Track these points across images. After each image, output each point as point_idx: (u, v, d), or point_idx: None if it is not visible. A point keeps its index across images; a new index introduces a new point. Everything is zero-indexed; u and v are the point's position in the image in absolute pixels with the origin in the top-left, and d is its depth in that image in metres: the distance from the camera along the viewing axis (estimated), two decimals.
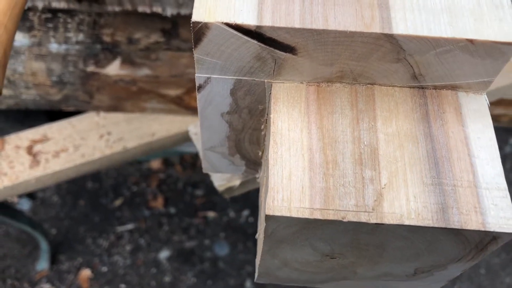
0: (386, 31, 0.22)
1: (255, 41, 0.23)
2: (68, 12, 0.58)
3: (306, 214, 0.21)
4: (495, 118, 0.70)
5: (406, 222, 0.21)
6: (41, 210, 1.64)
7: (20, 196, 1.59)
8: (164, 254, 1.59)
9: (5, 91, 0.65)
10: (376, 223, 0.21)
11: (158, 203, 1.68)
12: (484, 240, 0.22)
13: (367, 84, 0.25)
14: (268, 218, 0.22)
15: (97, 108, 0.67)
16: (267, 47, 0.23)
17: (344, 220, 0.21)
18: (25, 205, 1.59)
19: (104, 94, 0.64)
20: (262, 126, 0.29)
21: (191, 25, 0.22)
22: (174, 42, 0.60)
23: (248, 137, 0.30)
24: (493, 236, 0.22)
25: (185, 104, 0.67)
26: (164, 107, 0.66)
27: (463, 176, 0.23)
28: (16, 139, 0.66)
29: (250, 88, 0.26)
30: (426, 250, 0.24)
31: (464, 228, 0.21)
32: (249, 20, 0.22)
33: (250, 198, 1.65)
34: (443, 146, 0.23)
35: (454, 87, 0.25)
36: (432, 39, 0.22)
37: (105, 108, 0.67)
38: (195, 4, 0.23)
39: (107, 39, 0.59)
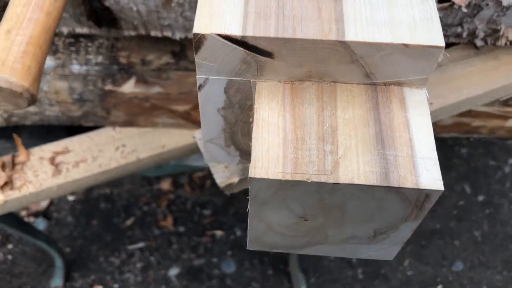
0: (340, 39, 0.29)
1: (241, 48, 0.30)
2: (89, 37, 0.66)
3: (279, 176, 0.28)
4: (475, 130, 0.77)
5: (356, 182, 0.28)
6: (56, 230, 1.71)
7: (36, 216, 1.66)
8: (173, 271, 1.64)
9: (31, 108, 0.72)
10: (333, 183, 0.28)
11: (168, 223, 1.74)
12: (420, 197, 0.29)
13: (330, 82, 0.32)
14: (251, 180, 0.28)
15: (113, 123, 0.75)
16: (251, 52, 0.30)
17: (309, 181, 0.28)
18: (41, 225, 1.66)
19: (120, 110, 0.72)
20: (251, 119, 0.35)
21: (193, 36, 0.30)
22: (183, 63, 0.68)
23: (240, 130, 0.37)
24: (426, 194, 0.28)
25: (192, 119, 0.74)
26: (173, 121, 0.74)
27: (403, 149, 0.29)
28: (39, 151, 0.73)
29: (239, 87, 0.33)
30: (378, 210, 0.30)
31: (402, 186, 0.28)
32: (236, 31, 0.29)
33: None
34: (388, 128, 0.30)
35: (399, 84, 0.32)
36: (375, 44, 0.29)
37: (120, 123, 0.75)
38: (195, 20, 0.30)
39: (123, 60, 0.67)
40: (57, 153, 0.74)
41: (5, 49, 0.43)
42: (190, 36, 0.61)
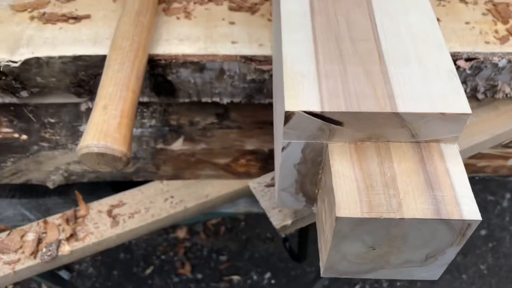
0: (394, 110, 0.39)
1: (319, 120, 0.40)
2: (146, 104, 0.77)
3: (359, 215, 0.37)
4: (481, 170, 0.87)
5: (416, 217, 0.37)
6: (78, 282, 1.76)
7: (59, 269, 1.72)
8: None
9: None
10: (399, 218, 0.37)
11: (186, 270, 1.80)
12: (463, 226, 0.38)
13: (385, 141, 0.42)
14: (338, 219, 0.38)
15: (161, 177, 0.84)
16: (326, 122, 0.41)
17: (381, 218, 0.37)
18: (64, 277, 1.71)
19: (168, 165, 0.82)
20: (320, 171, 0.45)
21: (285, 113, 0.40)
22: (225, 122, 0.78)
23: (309, 180, 0.47)
24: (468, 223, 0.38)
25: (231, 170, 0.84)
26: (215, 173, 0.84)
27: (447, 191, 0.39)
28: (98, 205, 0.82)
29: (314, 147, 0.43)
30: (431, 238, 0.40)
31: (450, 218, 0.37)
32: (316, 108, 0.40)
33: (271, 262, 1.78)
34: (433, 175, 0.40)
35: (437, 141, 0.42)
36: (420, 114, 0.40)
37: (168, 177, 0.84)
38: (286, 100, 0.40)
39: (173, 122, 0.77)
40: (113, 206, 0.83)
41: (105, 122, 0.53)
42: (235, 100, 0.72)
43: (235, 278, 1.78)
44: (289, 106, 0.40)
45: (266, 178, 0.70)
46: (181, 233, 1.91)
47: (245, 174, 0.86)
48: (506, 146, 0.83)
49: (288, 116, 0.40)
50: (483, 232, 1.94)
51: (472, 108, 0.72)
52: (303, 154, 0.44)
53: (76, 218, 0.82)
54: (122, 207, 0.83)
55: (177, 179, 0.87)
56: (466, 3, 0.74)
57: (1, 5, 0.72)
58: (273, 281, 1.78)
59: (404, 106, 0.40)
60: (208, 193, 0.85)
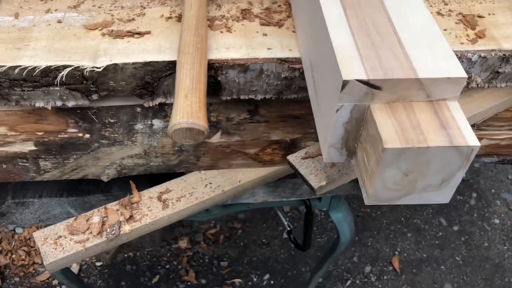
0: (416, 77, 0.58)
1: (365, 86, 0.58)
2: None
3: (401, 145, 0.55)
4: None
5: (438, 144, 0.55)
6: None
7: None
8: None
9: (140, 161, 0.97)
10: (426, 147, 0.55)
11: (191, 277, 1.92)
12: (468, 151, 0.57)
13: (409, 101, 0.61)
14: (386, 150, 0.55)
15: (199, 168, 1.00)
16: (370, 88, 0.59)
17: (414, 147, 0.55)
18: None
19: (207, 156, 0.98)
20: (361, 128, 0.63)
21: (343, 82, 0.58)
22: (255, 117, 0.95)
23: (352, 136, 0.65)
24: (472, 149, 0.56)
25: (259, 159, 1.01)
26: (245, 162, 1.00)
27: (455, 129, 0.57)
28: (147, 193, 0.97)
29: (359, 108, 0.61)
30: (447, 163, 0.58)
31: (460, 145, 0.56)
32: (363, 77, 0.58)
33: (268, 265, 1.92)
34: (444, 120, 0.58)
35: (444, 99, 0.61)
36: (434, 78, 0.58)
37: (205, 167, 1.00)
38: (342, 73, 0.58)
39: (213, 119, 0.94)
40: (162, 193, 0.98)
41: (188, 106, 0.69)
42: (267, 96, 0.89)
43: (237, 281, 1.91)
44: (346, 77, 0.58)
45: (301, 153, 0.87)
46: (183, 244, 2.03)
47: (270, 162, 1.03)
48: (479, 128, 1.04)
49: (344, 84, 0.58)
50: (455, 228, 2.15)
51: None
52: (351, 114, 0.62)
53: (131, 204, 0.97)
54: (169, 193, 0.99)
55: (213, 169, 1.03)
56: (443, 15, 0.95)
57: (76, 25, 0.88)
58: (272, 282, 1.92)
59: (422, 73, 0.58)
60: (240, 179, 1.02)
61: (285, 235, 1.62)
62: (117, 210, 0.96)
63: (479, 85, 0.93)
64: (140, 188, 1.04)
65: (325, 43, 0.65)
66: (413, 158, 0.57)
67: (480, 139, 1.06)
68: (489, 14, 0.96)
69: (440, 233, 2.12)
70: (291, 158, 0.85)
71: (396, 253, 2.03)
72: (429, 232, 2.12)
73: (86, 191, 1.11)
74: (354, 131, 0.64)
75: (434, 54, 0.61)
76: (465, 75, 0.59)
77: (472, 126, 0.99)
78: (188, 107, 0.69)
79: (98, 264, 1.92)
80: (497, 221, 2.20)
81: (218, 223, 2.08)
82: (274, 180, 1.10)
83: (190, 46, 0.78)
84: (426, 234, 2.10)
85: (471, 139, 0.57)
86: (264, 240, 2.03)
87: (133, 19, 0.91)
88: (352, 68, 0.59)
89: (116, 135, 0.95)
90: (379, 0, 0.70)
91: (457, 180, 0.61)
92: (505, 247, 2.07)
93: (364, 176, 0.64)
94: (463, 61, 0.87)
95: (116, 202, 0.97)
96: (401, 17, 0.67)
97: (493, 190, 2.33)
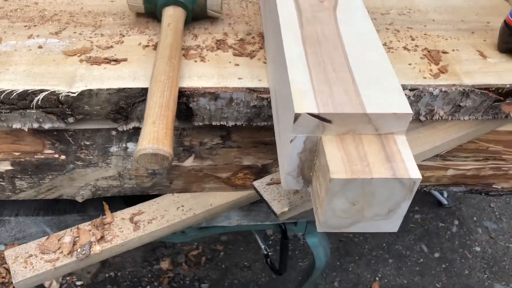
0: (365, 112, 0.62)
1: (316, 119, 0.62)
2: None
3: (346, 176, 0.59)
4: (427, 180, 1.11)
5: (382, 177, 0.59)
6: None
7: None
8: None
9: (115, 183, 1.00)
10: (370, 178, 0.59)
11: None
12: (411, 184, 0.60)
13: (358, 134, 0.64)
14: (332, 180, 0.59)
15: (172, 191, 1.03)
16: (320, 121, 0.62)
17: (359, 178, 0.59)
18: None
19: (180, 180, 1.01)
20: (315, 158, 0.67)
21: (295, 114, 0.61)
22: (228, 142, 0.99)
23: (307, 165, 0.68)
24: (414, 181, 0.60)
25: (231, 183, 1.04)
26: (218, 186, 1.03)
27: (399, 163, 0.61)
28: (120, 214, 1.00)
29: (312, 139, 0.64)
30: (391, 194, 0.61)
31: (403, 177, 0.59)
32: (314, 110, 0.61)
33: None
34: (390, 153, 0.62)
35: (392, 133, 0.64)
36: (381, 114, 0.62)
37: (178, 190, 1.03)
38: (295, 107, 0.62)
39: (186, 143, 0.97)
40: (134, 215, 1.00)
41: (155, 132, 0.73)
42: (238, 123, 0.93)
43: None
44: (298, 110, 0.61)
45: (266, 179, 0.90)
46: (164, 265, 2.04)
47: (242, 186, 1.06)
48: (444, 159, 1.08)
49: (296, 116, 0.61)
50: (436, 254, 2.17)
51: (415, 127, 0.96)
52: (304, 145, 0.65)
53: (103, 224, 0.99)
54: (142, 215, 1.01)
55: (186, 192, 1.06)
56: (409, 50, 0.99)
57: (56, 51, 0.92)
58: None
59: (370, 108, 0.62)
60: (212, 202, 1.05)
61: None
62: (90, 230, 0.98)
63: (442, 118, 0.97)
64: (116, 209, 1.06)
65: (285, 77, 0.69)
66: (359, 188, 0.60)
67: (446, 168, 1.09)
68: (453, 50, 1.00)
69: (421, 260, 2.14)
70: (256, 183, 0.88)
71: (377, 278, 2.04)
72: (410, 258, 2.14)
73: (62, 211, 1.14)
74: (309, 160, 0.68)
75: (384, 91, 0.65)
76: (410, 111, 0.63)
77: (436, 156, 1.03)
78: (154, 133, 0.73)
79: (78, 283, 1.92)
80: (478, 248, 2.22)
81: (201, 244, 2.10)
82: (248, 204, 1.13)
83: (162, 75, 0.82)
84: (407, 260, 2.12)
85: (414, 172, 0.60)
86: (245, 263, 2.05)
87: (111, 46, 0.95)
88: (305, 102, 0.63)
89: (91, 157, 0.98)
90: (338, 39, 0.74)
91: (403, 210, 0.64)
92: (485, 275, 2.09)
93: (317, 204, 0.67)
94: (425, 95, 0.91)
95: (89, 222, 1.00)
96: (357, 55, 0.71)
97: (475, 218, 2.36)
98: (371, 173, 0.60)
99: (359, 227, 0.66)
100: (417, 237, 2.24)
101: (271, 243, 2.04)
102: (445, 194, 2.35)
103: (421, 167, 1.08)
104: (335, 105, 0.63)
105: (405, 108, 0.63)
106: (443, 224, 2.29)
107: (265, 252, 1.46)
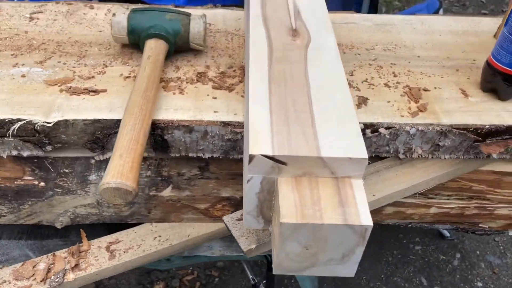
0: (319, 155, 0.61)
1: (271, 161, 0.62)
2: (144, 159, 0.97)
3: (296, 221, 0.58)
4: (410, 217, 1.09)
5: (332, 222, 0.58)
6: None
7: None
8: None
9: (93, 210, 1.01)
10: (321, 223, 0.58)
11: None
12: (362, 230, 0.59)
13: (315, 177, 0.64)
14: (282, 224, 0.58)
15: (151, 220, 1.03)
16: (275, 163, 0.62)
17: (309, 223, 0.58)
18: None
19: (158, 209, 1.01)
20: (273, 199, 0.66)
21: (249, 156, 0.61)
22: (206, 173, 0.99)
23: (266, 205, 0.68)
24: (365, 228, 0.59)
25: (209, 214, 1.04)
26: (196, 216, 1.03)
27: (352, 208, 0.60)
28: (97, 242, 1.00)
29: (268, 180, 0.64)
30: (343, 239, 0.60)
31: (354, 224, 0.58)
32: (269, 152, 0.61)
33: None
34: (344, 198, 0.61)
35: (349, 177, 0.64)
36: (336, 158, 0.62)
37: (156, 220, 1.03)
38: (250, 148, 0.62)
39: (164, 173, 0.98)
40: (111, 243, 1.01)
41: (120, 166, 0.73)
42: (215, 155, 0.93)
43: None
44: (252, 151, 0.61)
45: (237, 214, 0.90)
46: None
47: (220, 217, 1.06)
48: (427, 196, 1.06)
49: (251, 158, 0.62)
50: None
51: (395, 165, 0.95)
52: (261, 185, 0.65)
53: (79, 252, 1.00)
54: (118, 244, 1.01)
55: (164, 221, 1.06)
56: (390, 87, 0.99)
57: (38, 80, 0.94)
58: None
59: (325, 152, 0.62)
60: (189, 233, 1.04)
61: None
62: (65, 257, 0.98)
63: (421, 156, 0.95)
64: (98, 235, 1.07)
65: (247, 116, 0.70)
66: (310, 233, 0.60)
67: (428, 206, 1.08)
68: (435, 88, 1.00)
69: None
70: (226, 218, 0.88)
71: None
72: None
73: (45, 235, 1.15)
74: (267, 200, 0.67)
75: (342, 134, 0.65)
76: (366, 157, 0.62)
77: (415, 194, 1.01)
78: (120, 167, 0.73)
79: None
80: (480, 284, 2.17)
81: (196, 269, 2.09)
82: (230, 235, 1.13)
83: (135, 107, 0.83)
84: None
85: (365, 219, 0.59)
86: None
87: (93, 76, 0.96)
88: (261, 143, 0.63)
89: (70, 184, 0.99)
90: (304, 79, 0.74)
91: (358, 256, 0.63)
92: None
93: (273, 245, 0.66)
94: (402, 133, 0.90)
95: (66, 249, 1.00)
96: (321, 96, 0.71)
97: (478, 252, 2.30)
98: (322, 218, 0.59)
99: (314, 271, 0.65)
100: (416, 269, 2.19)
101: (262, 271, 2.02)
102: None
103: (402, 204, 1.07)
104: (291, 147, 0.63)
105: (361, 153, 0.63)
106: (444, 257, 2.24)
107: (253, 282, 1.44)
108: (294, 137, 0.64)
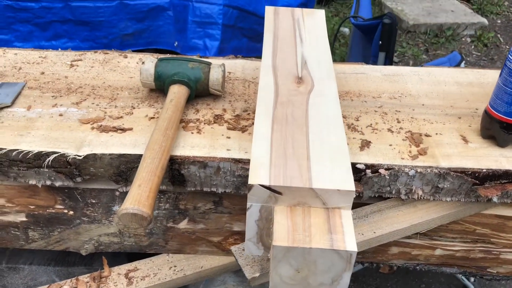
0: (311, 186, 0.69)
1: (268, 190, 0.69)
2: (163, 192, 1.06)
3: (287, 244, 0.65)
4: (415, 258, 1.13)
5: (320, 247, 0.64)
6: None
7: None
8: None
9: (115, 239, 1.09)
10: (310, 248, 0.65)
11: None
12: (348, 256, 0.65)
13: (308, 206, 0.71)
14: (274, 247, 0.65)
15: (168, 251, 1.11)
16: (272, 192, 0.70)
17: (299, 247, 0.65)
18: None
19: (174, 241, 1.09)
20: (271, 226, 0.73)
21: (248, 185, 0.69)
22: (219, 208, 1.06)
23: (265, 232, 0.75)
24: (351, 254, 0.65)
25: (222, 247, 1.10)
26: (209, 249, 1.10)
27: (339, 235, 0.66)
28: (118, 269, 1.08)
29: (266, 208, 0.71)
30: (331, 264, 0.66)
31: (340, 249, 0.64)
32: (266, 182, 0.69)
33: None
34: (333, 226, 0.68)
35: (339, 208, 0.70)
36: (326, 189, 0.69)
37: (173, 251, 1.11)
38: (249, 178, 0.70)
39: (181, 207, 1.06)
40: (129, 271, 1.08)
41: (138, 194, 0.82)
42: (227, 190, 1.01)
43: None
44: (251, 181, 0.69)
45: (244, 244, 0.96)
46: None
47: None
48: (431, 238, 1.10)
49: (250, 187, 0.69)
50: None
51: (396, 205, 1.01)
52: (260, 213, 0.72)
53: (100, 277, 1.08)
54: (136, 271, 1.09)
55: (180, 253, 1.13)
56: (392, 132, 1.06)
57: (73, 119, 1.06)
58: None
59: (316, 184, 0.69)
60: (203, 265, 1.11)
61: None
62: (87, 282, 1.06)
63: (422, 197, 1.01)
64: (119, 263, 1.15)
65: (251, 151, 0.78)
66: (301, 256, 0.66)
67: (433, 248, 1.11)
68: (437, 134, 1.06)
69: None
70: (234, 248, 0.95)
71: None
72: None
73: (72, 263, 1.23)
74: (266, 228, 0.74)
75: (334, 169, 0.72)
76: (353, 189, 0.69)
77: (417, 234, 1.06)
78: (138, 195, 0.82)
79: None
80: None
81: None
82: None
83: (156, 144, 0.93)
84: None
85: (350, 245, 0.65)
86: None
87: (121, 116, 1.08)
88: (259, 174, 0.71)
89: (96, 214, 1.08)
90: (305, 120, 0.83)
91: (345, 281, 0.68)
92: None
93: (269, 269, 0.72)
94: (402, 175, 0.96)
95: (88, 274, 1.08)
96: (318, 136, 0.79)
97: None
98: (310, 242, 0.66)
99: None
100: None
101: None
102: (472, 279, 2.27)
103: (407, 245, 1.11)
104: (286, 178, 0.70)
105: (349, 185, 0.69)
106: None
107: None
108: (290, 170, 0.72)
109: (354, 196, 0.69)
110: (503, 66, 0.97)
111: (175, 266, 1.10)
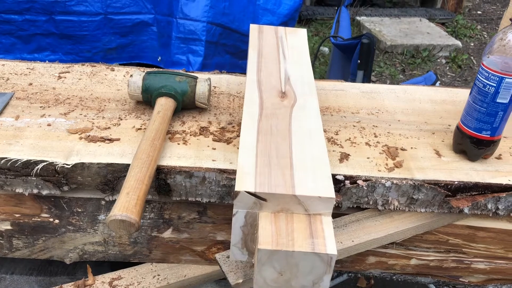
0: (294, 193, 0.73)
1: (253, 197, 0.73)
2: (148, 202, 1.09)
3: (272, 248, 0.68)
4: (392, 267, 1.17)
5: (302, 250, 0.68)
6: None
7: None
8: None
9: (100, 248, 1.11)
10: (292, 251, 0.68)
11: None
12: (328, 259, 0.69)
13: (290, 212, 0.75)
14: (259, 250, 0.68)
15: (152, 260, 1.13)
16: (257, 199, 0.73)
17: (282, 250, 0.68)
18: None
19: (158, 250, 1.11)
20: (256, 232, 0.77)
21: (234, 192, 0.73)
22: (203, 218, 1.09)
23: (250, 238, 0.78)
24: (331, 257, 0.69)
25: (206, 257, 1.13)
26: (193, 258, 1.13)
27: (320, 239, 0.70)
28: (102, 277, 1.09)
29: (251, 215, 0.75)
30: (312, 267, 0.70)
31: (320, 252, 0.68)
32: (251, 189, 0.73)
33: None
34: (315, 231, 0.72)
35: (320, 214, 0.75)
36: (308, 196, 0.73)
37: (157, 260, 1.13)
38: (236, 185, 0.73)
39: (166, 216, 1.09)
40: (114, 279, 1.10)
41: (127, 201, 0.85)
42: (212, 200, 1.04)
43: None
44: (238, 188, 0.73)
45: (228, 252, 0.99)
46: None
47: (215, 260, 1.15)
48: (407, 248, 1.14)
49: (236, 193, 0.73)
50: None
51: (374, 215, 1.06)
52: (246, 219, 0.76)
53: (84, 286, 1.09)
54: (120, 280, 1.11)
55: (164, 262, 1.15)
56: (370, 145, 1.11)
57: (61, 129, 1.08)
58: None
59: (299, 191, 0.73)
60: (186, 274, 1.13)
61: None
62: None
63: (398, 208, 1.05)
64: (102, 272, 1.16)
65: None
66: (284, 259, 0.70)
67: (409, 258, 1.16)
68: (412, 148, 1.11)
69: None
70: (218, 255, 0.98)
71: None
72: None
73: (54, 272, 1.24)
74: (251, 234, 0.78)
75: (315, 177, 0.77)
76: (333, 196, 0.73)
77: (391, 243, 1.10)
78: (126, 203, 0.85)
79: None
80: None
81: None
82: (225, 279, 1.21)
83: (143, 153, 0.96)
84: None
85: (331, 248, 0.69)
86: None
87: (109, 127, 1.10)
88: (245, 181, 0.74)
89: (81, 223, 1.10)
90: (288, 132, 0.87)
91: (326, 283, 0.72)
92: None
93: (253, 274, 0.76)
94: (378, 186, 1.01)
95: (72, 283, 1.10)
96: (300, 146, 0.84)
97: None
98: (293, 246, 0.69)
99: None
100: None
101: None
102: None
103: (384, 255, 1.15)
104: (271, 186, 0.74)
105: (330, 193, 0.74)
106: None
107: None
108: (274, 178, 0.76)
109: (334, 203, 0.73)
110: (473, 85, 1.04)
111: (158, 275, 1.12)
